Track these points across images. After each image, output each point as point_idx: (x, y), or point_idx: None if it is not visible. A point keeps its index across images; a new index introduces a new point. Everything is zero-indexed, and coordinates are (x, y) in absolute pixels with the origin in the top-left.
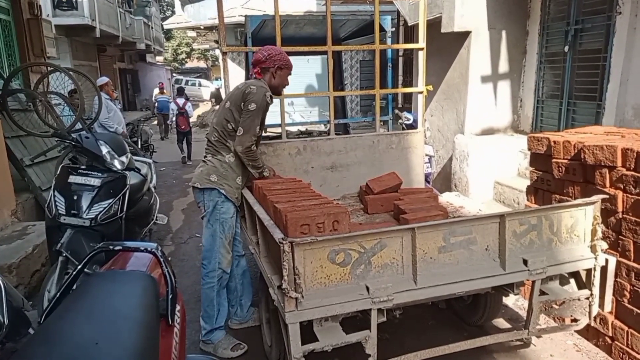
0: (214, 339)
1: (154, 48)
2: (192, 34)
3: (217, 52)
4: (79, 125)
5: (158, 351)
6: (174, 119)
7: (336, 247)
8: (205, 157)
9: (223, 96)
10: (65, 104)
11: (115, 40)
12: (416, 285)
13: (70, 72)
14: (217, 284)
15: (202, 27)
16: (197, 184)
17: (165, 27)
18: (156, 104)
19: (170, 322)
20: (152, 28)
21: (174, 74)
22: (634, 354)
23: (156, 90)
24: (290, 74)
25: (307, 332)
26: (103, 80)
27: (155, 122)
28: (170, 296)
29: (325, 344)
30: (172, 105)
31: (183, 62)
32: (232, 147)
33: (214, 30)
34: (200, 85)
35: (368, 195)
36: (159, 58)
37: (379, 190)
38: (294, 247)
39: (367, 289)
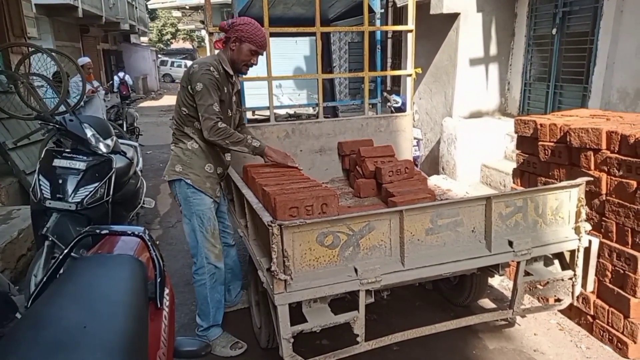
0: (211, 336)
1: (138, 29)
2: (177, 14)
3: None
4: (62, 108)
5: (147, 334)
6: (116, 88)
7: (325, 230)
8: (170, 147)
9: None
10: (49, 86)
11: (98, 20)
12: (404, 266)
13: (53, 53)
14: (209, 280)
15: (187, 7)
16: (166, 176)
17: (149, 7)
18: None
19: (159, 306)
20: (136, 8)
21: (159, 55)
22: (613, 331)
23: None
24: (258, 52)
25: (296, 313)
26: (84, 60)
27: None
28: (158, 279)
29: (314, 324)
30: (116, 78)
31: (168, 43)
32: (190, 133)
33: (199, 10)
34: (185, 66)
35: (359, 179)
36: (144, 39)
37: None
38: (282, 229)
39: (356, 270)
